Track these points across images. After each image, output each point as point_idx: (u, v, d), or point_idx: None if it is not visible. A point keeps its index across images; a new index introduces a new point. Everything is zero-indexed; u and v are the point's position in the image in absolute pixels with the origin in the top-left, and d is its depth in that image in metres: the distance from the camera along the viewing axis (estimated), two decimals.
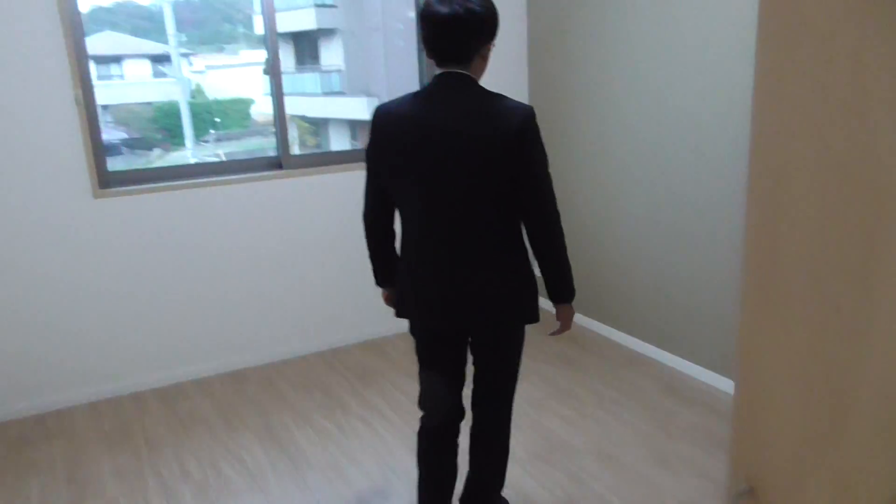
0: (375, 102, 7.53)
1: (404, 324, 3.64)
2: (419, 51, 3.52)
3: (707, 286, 3.28)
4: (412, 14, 6.54)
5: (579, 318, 3.95)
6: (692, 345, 3.38)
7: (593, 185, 3.61)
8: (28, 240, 2.81)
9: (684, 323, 3.39)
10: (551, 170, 1.93)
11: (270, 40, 3.12)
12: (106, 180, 2.97)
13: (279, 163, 3.40)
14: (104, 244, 2.96)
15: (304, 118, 8.06)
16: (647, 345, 3.64)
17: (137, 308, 3.08)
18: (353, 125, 8.03)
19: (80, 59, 2.70)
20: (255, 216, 3.30)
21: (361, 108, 7.70)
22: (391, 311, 3.43)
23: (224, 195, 3.20)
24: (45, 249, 2.86)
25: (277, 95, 3.29)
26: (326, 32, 7.32)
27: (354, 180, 3.48)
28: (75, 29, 2.67)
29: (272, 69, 3.18)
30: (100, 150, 2.91)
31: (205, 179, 3.17)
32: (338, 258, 3.50)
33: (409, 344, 3.63)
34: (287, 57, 7.98)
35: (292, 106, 8.74)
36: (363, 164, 3.29)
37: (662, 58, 3.23)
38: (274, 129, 3.30)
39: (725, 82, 3.05)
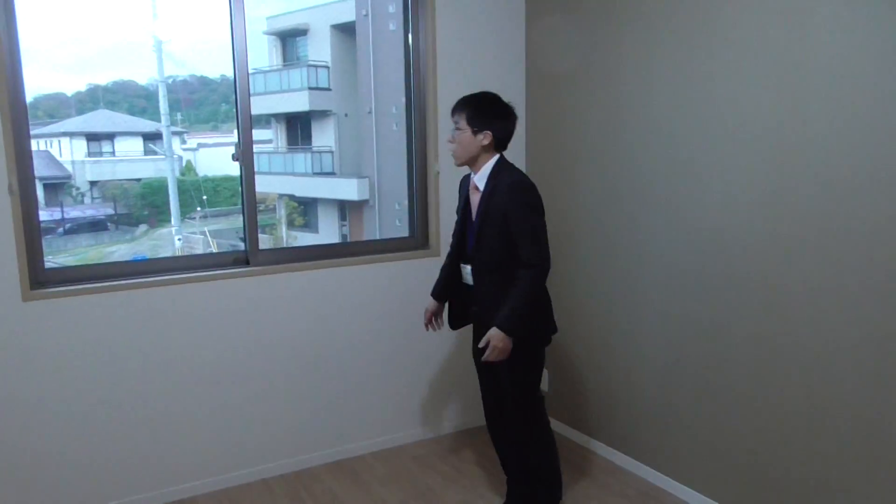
0: (366, 183, 7.44)
1: (380, 440, 3.28)
2: (410, 135, 3.30)
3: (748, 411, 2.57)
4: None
5: (586, 440, 3.39)
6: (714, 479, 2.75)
7: (602, 278, 3.20)
8: None
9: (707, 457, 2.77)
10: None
11: (244, 125, 2.87)
12: (41, 280, 2.58)
13: (246, 259, 3.07)
14: (34, 353, 2.53)
15: (293, 197, 7.89)
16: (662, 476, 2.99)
17: (71, 428, 2.60)
18: (343, 205, 7.88)
19: (19, 144, 2.42)
20: (216, 320, 2.92)
21: (351, 189, 7.57)
22: (365, 427, 3.30)
23: (182, 295, 2.84)
24: None
25: (248, 184, 2.97)
26: (319, 114, 7.26)
27: (331, 277, 3.15)
28: (16, 110, 2.42)
29: (243, 157, 2.91)
30: (35, 245, 2.54)
31: (160, 277, 2.80)
32: (306, 367, 3.12)
33: (387, 467, 3.21)
34: (280, 137, 7.90)
35: (282, 185, 8.64)
36: (337, 261, 3.12)
37: (687, 116, 2.68)
38: (242, 222, 2.99)
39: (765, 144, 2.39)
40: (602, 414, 3.25)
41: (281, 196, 7.57)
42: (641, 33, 2.82)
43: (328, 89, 7.04)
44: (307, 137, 7.58)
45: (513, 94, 3.20)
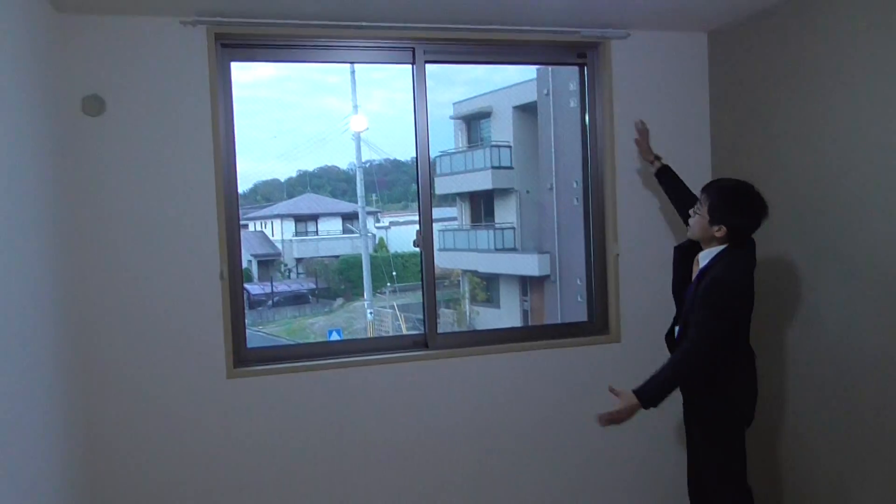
0: (547, 259, 7.42)
1: None
2: (588, 215, 3.19)
3: None
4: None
5: None
6: None
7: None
8: (164, 420, 2.70)
9: None
10: None
11: (424, 213, 2.97)
12: (243, 358, 2.82)
13: (424, 341, 3.14)
14: (237, 428, 2.76)
15: (476, 273, 8.07)
16: None
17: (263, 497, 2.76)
18: (524, 281, 7.88)
19: (231, 233, 2.70)
20: (397, 403, 2.98)
21: (532, 264, 7.57)
22: None
23: (364, 377, 2.94)
24: (177, 432, 2.74)
25: (427, 268, 3.06)
26: (502, 192, 7.47)
27: (506, 363, 3.09)
28: (229, 203, 2.71)
29: (423, 242, 3.00)
30: (239, 327, 2.78)
31: (347, 359, 2.94)
32: (477, 454, 3.02)
33: None
34: (464, 215, 8.21)
35: (466, 261, 8.92)
36: (513, 346, 3.02)
37: None
38: (422, 307, 3.07)
39: None
40: None
41: (465, 272, 7.79)
42: (839, 90, 2.52)
43: (510, 167, 7.23)
44: (490, 214, 7.79)
45: (697, 172, 3.01)
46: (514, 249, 7.52)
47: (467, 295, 8.13)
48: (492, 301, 8.03)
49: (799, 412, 2.82)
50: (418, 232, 2.97)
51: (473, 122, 7.72)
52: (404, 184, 8.87)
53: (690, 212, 2.45)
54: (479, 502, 3.01)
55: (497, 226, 7.58)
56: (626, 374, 2.76)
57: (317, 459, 2.83)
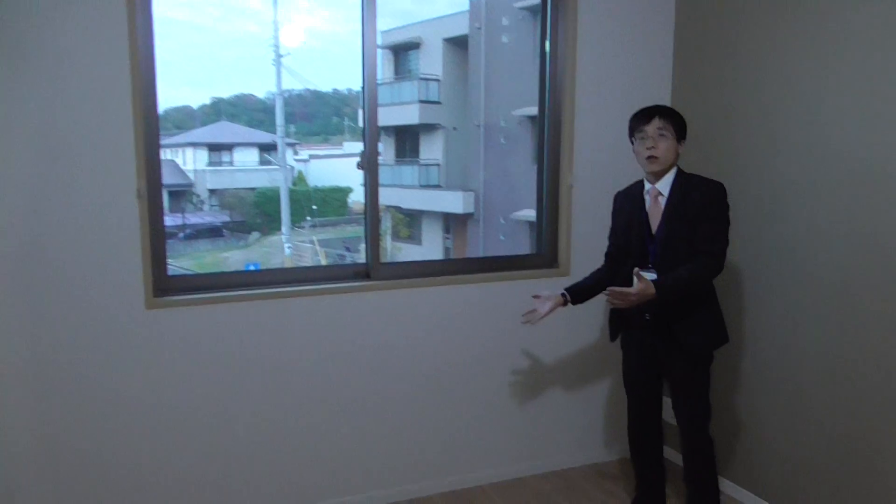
0: (472, 197, 7.41)
1: (501, 471, 3.11)
2: (542, 145, 3.12)
3: None
4: (516, 112, 6.39)
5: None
6: None
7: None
8: (74, 356, 2.48)
9: None
10: None
11: (370, 135, 2.83)
12: (163, 287, 2.62)
13: (366, 272, 3.03)
14: (156, 360, 2.58)
15: (399, 209, 7.97)
16: None
17: (179, 440, 2.61)
18: (448, 218, 7.85)
19: (150, 152, 2.47)
20: (335, 334, 2.86)
21: (457, 202, 7.53)
22: (486, 456, 3.11)
23: (303, 307, 2.81)
24: (93, 364, 2.54)
25: (372, 194, 2.92)
26: (428, 127, 7.32)
27: (452, 295, 3.04)
28: (150, 120, 2.49)
29: (368, 165, 2.87)
30: (160, 252, 2.58)
31: (283, 289, 2.79)
32: (425, 388, 3.01)
33: (506, 501, 3.04)
34: (388, 149, 8.02)
35: (389, 197, 8.78)
36: (461, 277, 2.98)
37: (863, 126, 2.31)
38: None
39: None
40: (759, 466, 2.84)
41: (387, 207, 7.67)
42: (811, 31, 2.51)
43: (438, 102, 7.08)
44: (415, 150, 7.65)
45: (656, 100, 2.85)
46: (438, 186, 7.45)
47: (389, 231, 8.04)
48: (414, 238, 7.98)
49: (750, 410, 2.84)
50: (362, 153, 2.81)
51: (402, 52, 7.48)
52: (325, 116, 8.56)
53: (648, 146, 2.43)
54: (423, 437, 2.97)
55: (422, 162, 7.46)
56: (574, 307, 2.78)
57: (250, 397, 2.69)
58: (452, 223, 7.60)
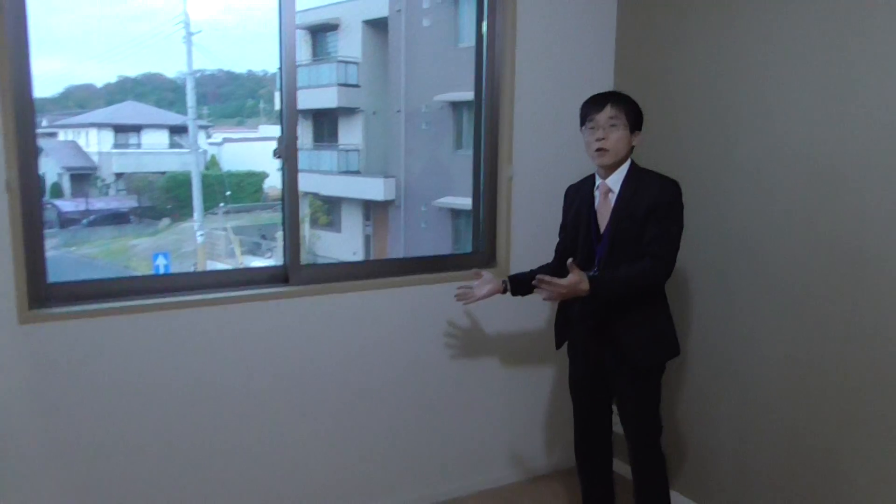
0: (392, 183, 7.32)
1: (433, 490, 2.89)
2: (479, 133, 2.97)
3: None
4: (438, 98, 6.34)
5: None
6: None
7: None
8: None
9: None
10: None
11: (289, 121, 2.64)
12: (42, 296, 2.16)
13: (284, 275, 2.63)
14: (33, 386, 2.13)
15: (317, 196, 7.79)
16: None
17: (75, 476, 2.24)
18: (368, 205, 7.75)
19: (23, 137, 2.19)
20: (250, 349, 2.46)
21: (377, 189, 7.44)
22: (415, 475, 2.88)
23: (211, 320, 2.36)
24: None
25: (290, 185, 2.73)
26: (347, 111, 7.16)
27: (381, 300, 2.63)
28: (22, 101, 2.23)
29: (286, 153, 2.68)
30: (36, 254, 2.16)
31: (186, 298, 2.33)
32: (355, 404, 2.67)
33: None
34: (306, 133, 7.81)
35: (307, 182, 8.56)
36: (391, 280, 2.74)
37: (817, 119, 2.25)
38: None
39: None
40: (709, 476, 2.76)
41: (305, 194, 7.48)
42: (767, 16, 2.43)
43: (357, 86, 6.94)
44: (333, 135, 7.48)
45: (598, 87, 2.71)
46: (358, 172, 7.32)
47: (307, 218, 7.86)
48: (333, 225, 7.82)
49: (701, 419, 2.79)
50: (280, 139, 2.63)
51: (320, 34, 7.27)
52: (239, 98, 8.24)
53: (599, 136, 2.23)
54: (346, 458, 2.74)
55: (341, 147, 7.31)
56: (515, 310, 2.64)
57: (148, 427, 2.35)
58: (373, 210, 7.50)
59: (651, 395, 2.32)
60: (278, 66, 2.61)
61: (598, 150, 2.22)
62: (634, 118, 2.24)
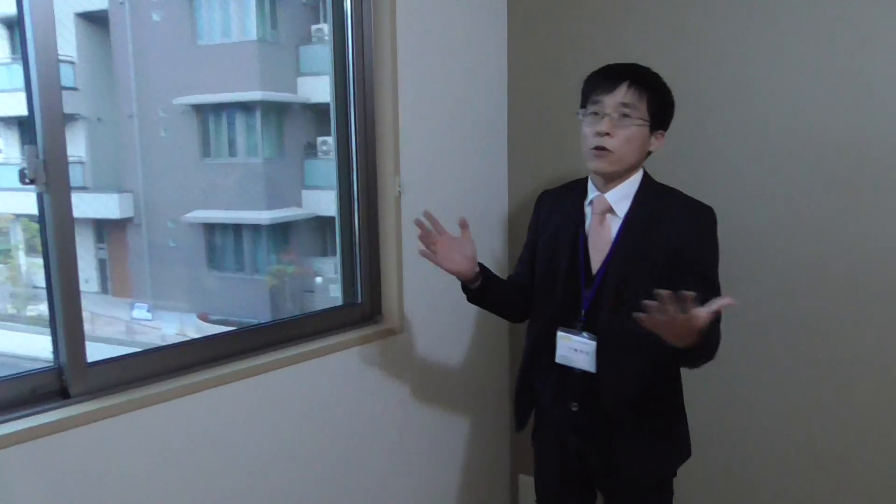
0: (129, 199, 6.53)
1: None
2: (347, 147, 2.39)
3: None
4: (178, 101, 5.81)
5: None
6: None
7: None
8: None
9: None
10: None
11: (52, 135, 1.94)
12: None
13: (61, 386, 1.64)
14: None
15: (33, 218, 6.66)
16: None
17: None
18: (100, 225, 6.90)
19: None
20: None
21: (112, 205, 6.67)
22: None
23: None
24: None
25: (62, 228, 1.86)
26: (65, 119, 6.20)
27: (224, 404, 1.80)
28: None
29: (52, 178, 1.92)
30: None
31: None
32: None
33: None
34: (10, 146, 6.67)
35: (18, 203, 7.27)
36: (237, 366, 1.91)
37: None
38: (49, 305, 1.65)
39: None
40: None
41: (18, 217, 6.40)
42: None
43: (74, 89, 6.09)
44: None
45: (491, 89, 2.34)
46: (84, 188, 6.46)
47: (23, 247, 6.74)
48: None
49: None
50: (31, 159, 1.92)
51: (17, 27, 6.19)
52: None
53: (601, 129, 1.59)
54: None
55: None
56: (421, 387, 2.02)
57: None
58: (107, 230, 6.68)
59: None
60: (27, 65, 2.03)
61: (598, 149, 1.60)
62: (659, 111, 1.61)
